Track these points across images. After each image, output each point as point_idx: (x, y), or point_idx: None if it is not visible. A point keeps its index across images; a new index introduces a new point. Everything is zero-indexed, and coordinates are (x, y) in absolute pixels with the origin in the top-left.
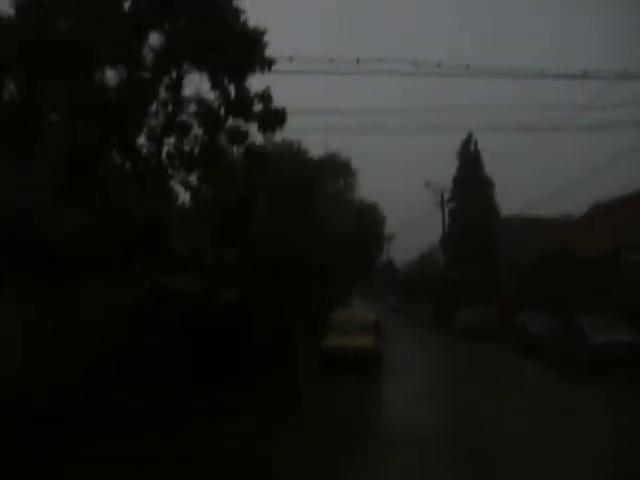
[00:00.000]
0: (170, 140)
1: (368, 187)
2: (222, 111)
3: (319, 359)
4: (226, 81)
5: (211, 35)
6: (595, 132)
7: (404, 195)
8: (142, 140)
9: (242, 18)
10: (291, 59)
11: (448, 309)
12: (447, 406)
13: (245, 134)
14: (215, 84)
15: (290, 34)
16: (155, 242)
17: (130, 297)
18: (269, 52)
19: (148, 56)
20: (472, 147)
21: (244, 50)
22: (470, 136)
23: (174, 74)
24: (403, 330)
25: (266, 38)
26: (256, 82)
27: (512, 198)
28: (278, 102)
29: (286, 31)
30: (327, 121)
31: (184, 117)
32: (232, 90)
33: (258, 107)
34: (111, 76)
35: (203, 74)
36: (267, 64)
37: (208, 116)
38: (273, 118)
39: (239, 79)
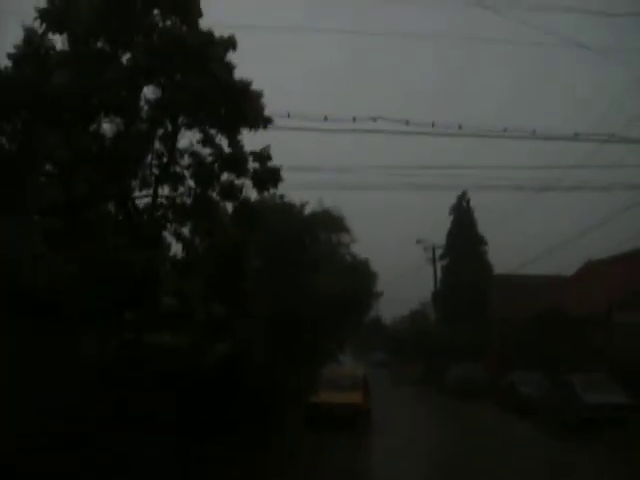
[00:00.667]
0: (164, 191)
1: (361, 243)
2: (215, 166)
3: (309, 414)
4: (217, 136)
5: (201, 90)
6: (586, 192)
7: (397, 251)
8: (136, 191)
9: (233, 73)
10: (288, 116)
11: (438, 366)
12: (436, 466)
13: (238, 189)
14: (206, 139)
15: (284, 91)
16: (146, 294)
17: (118, 351)
18: (266, 109)
19: (144, 108)
20: (465, 205)
21: (233, 105)
22: (464, 194)
23: (169, 126)
24: (391, 387)
25: (263, 96)
26: (256, 138)
27: (505, 256)
28: (273, 156)
29: (281, 88)
30: (322, 178)
31: (178, 169)
32: (225, 145)
33: (255, 164)
34: (108, 127)
35: (195, 128)
36: (263, 121)
37: (200, 170)
38: (268, 177)
39: (230, 134)
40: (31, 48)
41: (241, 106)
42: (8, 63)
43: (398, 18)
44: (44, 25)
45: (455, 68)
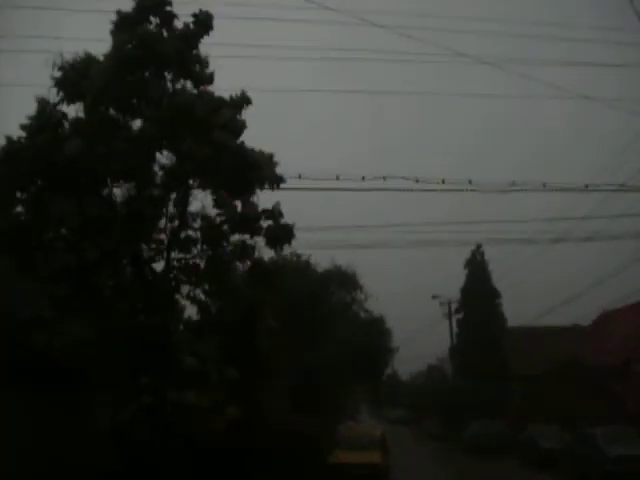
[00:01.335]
0: (177, 254)
1: (374, 298)
2: (226, 227)
3: (326, 474)
4: (228, 199)
5: (206, 160)
6: (597, 242)
7: (410, 305)
8: (150, 254)
9: (241, 136)
10: (300, 177)
11: (456, 422)
12: None
13: (251, 249)
14: (217, 202)
15: (292, 150)
16: (162, 358)
17: (136, 415)
18: (278, 168)
19: (158, 173)
20: (479, 258)
21: (240, 171)
22: (478, 247)
23: (181, 191)
24: (410, 444)
25: (274, 158)
26: (268, 195)
27: (520, 308)
28: (285, 215)
29: (291, 148)
30: (334, 237)
31: (190, 232)
32: (238, 206)
33: (268, 222)
34: (120, 192)
35: (206, 190)
36: (274, 182)
37: (211, 232)
38: (281, 234)
39: (240, 197)
40: (44, 119)
41: (247, 172)
42: (22, 133)
43: (400, 75)
44: (59, 94)
45: (457, 123)
